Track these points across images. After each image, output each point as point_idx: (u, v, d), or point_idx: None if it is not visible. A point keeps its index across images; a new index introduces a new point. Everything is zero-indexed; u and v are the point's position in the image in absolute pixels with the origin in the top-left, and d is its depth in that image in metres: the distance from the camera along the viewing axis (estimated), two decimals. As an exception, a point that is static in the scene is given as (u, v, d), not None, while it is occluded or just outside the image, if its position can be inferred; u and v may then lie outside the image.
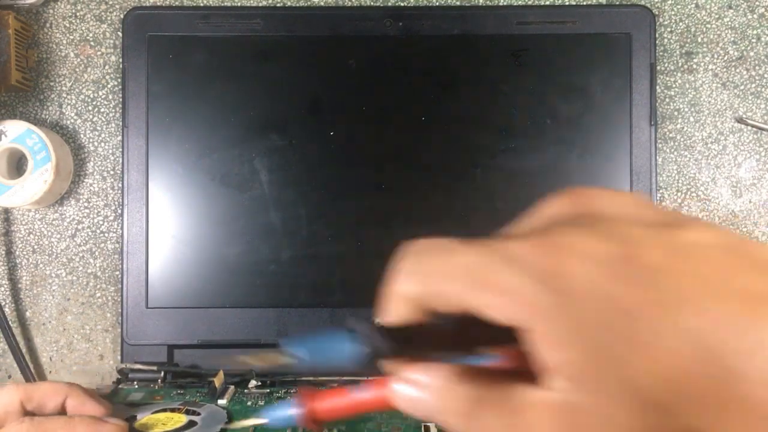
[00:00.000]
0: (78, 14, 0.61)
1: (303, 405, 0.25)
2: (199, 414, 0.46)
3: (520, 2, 0.60)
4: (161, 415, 0.46)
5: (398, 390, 0.22)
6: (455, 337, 0.23)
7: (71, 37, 0.61)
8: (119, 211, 0.60)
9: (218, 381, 0.51)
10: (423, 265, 0.22)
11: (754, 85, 0.61)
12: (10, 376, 0.61)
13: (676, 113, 0.61)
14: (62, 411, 0.42)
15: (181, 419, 0.45)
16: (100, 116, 0.61)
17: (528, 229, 0.22)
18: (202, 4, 0.61)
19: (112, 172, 0.61)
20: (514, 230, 0.23)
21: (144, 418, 0.45)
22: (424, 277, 0.22)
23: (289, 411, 0.25)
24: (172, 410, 0.47)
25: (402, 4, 0.61)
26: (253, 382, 0.53)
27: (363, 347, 0.21)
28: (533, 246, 0.20)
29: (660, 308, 0.19)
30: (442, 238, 0.22)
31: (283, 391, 0.53)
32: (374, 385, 0.24)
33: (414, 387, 0.22)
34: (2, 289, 0.61)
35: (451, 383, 0.22)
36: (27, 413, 0.41)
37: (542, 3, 0.61)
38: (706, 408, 0.19)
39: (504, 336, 0.21)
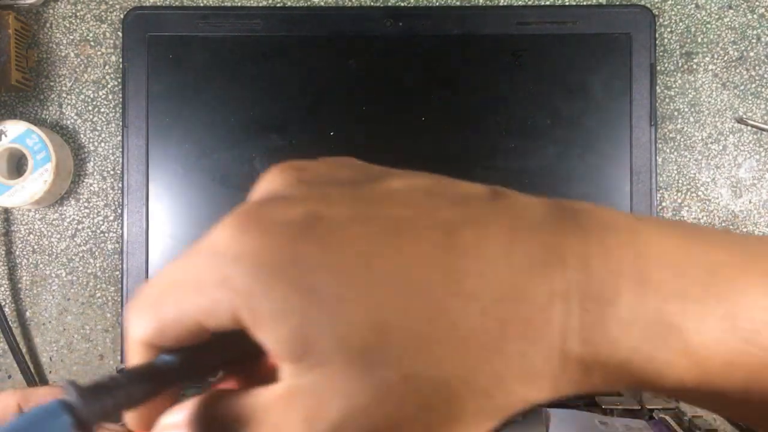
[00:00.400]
0: (78, 14, 0.61)
1: None
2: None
3: (520, 2, 0.60)
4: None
5: None
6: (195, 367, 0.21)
7: (71, 37, 0.61)
8: (119, 211, 0.60)
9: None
10: (144, 302, 0.20)
11: (754, 85, 0.61)
12: (10, 376, 0.61)
13: (676, 113, 0.61)
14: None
15: None
16: (100, 116, 0.61)
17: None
18: (202, 4, 0.61)
19: (112, 172, 0.61)
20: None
21: None
22: (147, 313, 0.20)
23: None
24: None
25: (402, 4, 0.61)
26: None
27: (74, 414, 0.18)
28: (229, 227, 0.19)
29: (353, 258, 0.18)
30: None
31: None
32: None
33: None
34: (2, 289, 0.61)
35: (190, 422, 0.20)
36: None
37: (542, 3, 0.61)
38: (423, 346, 0.18)
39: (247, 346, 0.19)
